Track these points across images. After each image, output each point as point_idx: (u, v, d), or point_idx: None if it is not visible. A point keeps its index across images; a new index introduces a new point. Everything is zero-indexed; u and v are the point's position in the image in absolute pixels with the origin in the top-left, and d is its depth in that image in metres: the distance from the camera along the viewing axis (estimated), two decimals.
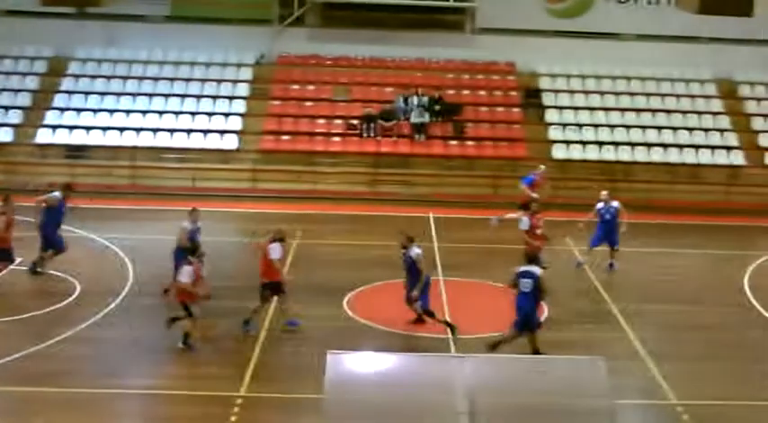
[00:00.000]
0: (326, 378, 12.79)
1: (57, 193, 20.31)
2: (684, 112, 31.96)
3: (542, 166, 25.53)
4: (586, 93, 32.72)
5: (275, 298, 17.52)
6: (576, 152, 30.69)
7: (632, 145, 30.87)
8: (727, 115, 32.00)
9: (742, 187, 29.71)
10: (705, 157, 30.56)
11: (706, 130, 31.44)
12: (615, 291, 20.66)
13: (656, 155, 30.64)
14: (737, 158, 30.60)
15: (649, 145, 30.88)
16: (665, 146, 30.87)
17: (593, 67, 33.21)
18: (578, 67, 33.25)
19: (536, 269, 16.53)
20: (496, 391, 12.81)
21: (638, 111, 32.03)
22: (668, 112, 32.00)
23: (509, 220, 22.60)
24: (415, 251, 17.29)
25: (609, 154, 30.63)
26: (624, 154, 30.58)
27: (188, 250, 17.09)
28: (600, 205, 21.99)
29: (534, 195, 23.71)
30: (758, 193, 29.44)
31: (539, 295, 16.41)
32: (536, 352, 16.26)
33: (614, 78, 33.09)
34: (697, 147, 30.80)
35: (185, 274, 16.37)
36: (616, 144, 30.85)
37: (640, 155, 30.61)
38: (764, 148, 31.03)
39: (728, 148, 30.85)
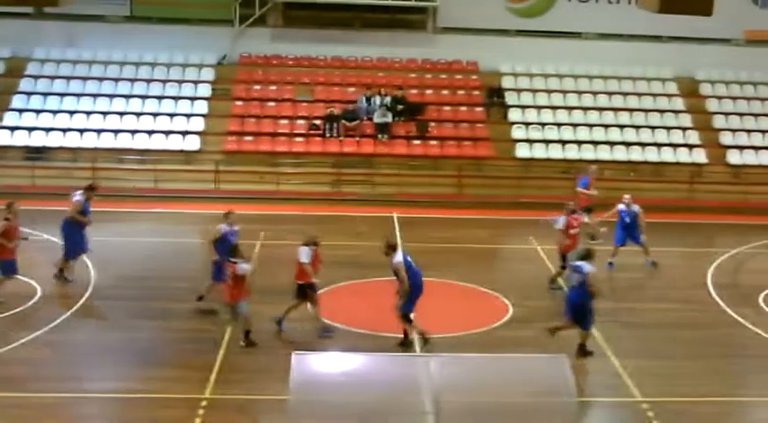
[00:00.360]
0: (292, 379, 12.69)
1: (79, 197, 20.09)
2: (647, 111, 32.16)
3: (593, 167, 25.62)
4: (549, 92, 32.81)
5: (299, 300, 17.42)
6: (539, 151, 30.74)
7: (595, 144, 30.98)
8: (689, 114, 32.22)
9: (704, 185, 29.91)
10: (667, 155, 30.75)
11: (668, 128, 31.64)
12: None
13: (619, 153, 30.78)
14: (700, 157, 30.80)
15: (612, 143, 31.01)
16: (627, 144, 31.01)
17: (555, 67, 33.37)
18: (541, 67, 33.37)
19: (585, 266, 16.58)
20: (462, 390, 12.76)
21: (601, 109, 32.17)
22: (630, 110, 32.18)
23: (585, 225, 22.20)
24: (397, 259, 17.10)
25: (572, 153, 30.72)
26: (587, 153, 30.65)
27: (231, 252, 16.85)
28: (621, 207, 22.20)
29: (593, 192, 24.18)
30: (720, 191, 29.67)
31: (589, 292, 16.49)
32: (581, 347, 16.63)
33: (576, 77, 33.24)
34: (659, 145, 30.99)
35: (242, 269, 16.33)
36: (579, 143, 30.96)
37: (603, 153, 30.70)
38: (726, 146, 31.25)
39: (690, 147, 31.04)
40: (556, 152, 30.74)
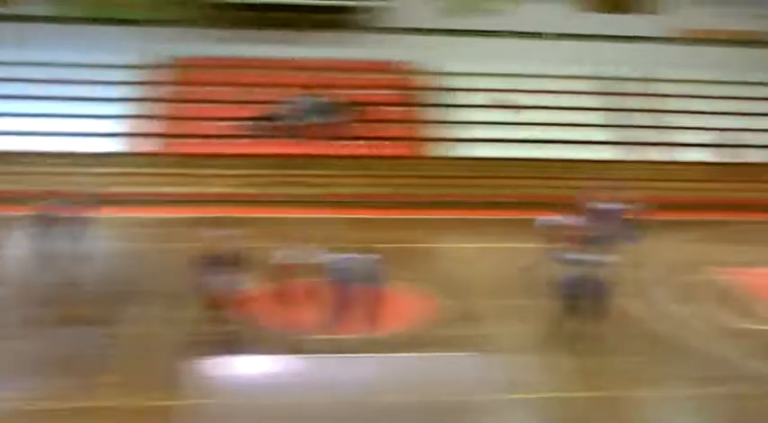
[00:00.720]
0: (205, 382, 12.48)
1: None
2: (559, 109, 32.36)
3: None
4: (492, 91, 32.69)
5: None
6: (474, 150, 30.62)
7: (531, 142, 31.00)
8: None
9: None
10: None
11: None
12: (496, 287, 20.46)
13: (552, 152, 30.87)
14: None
15: (543, 142, 31.05)
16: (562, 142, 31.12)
17: (499, 66, 33.19)
18: (476, 66, 33.18)
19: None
20: (377, 390, 12.62)
21: (539, 108, 32.12)
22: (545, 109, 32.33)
23: None
24: (319, 259, 16.76)
25: (517, 152, 30.75)
26: (534, 151, 30.71)
27: None
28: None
29: None
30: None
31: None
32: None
33: (523, 77, 33.21)
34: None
35: None
36: (510, 141, 30.92)
37: (538, 152, 30.75)
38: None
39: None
40: (497, 151, 30.61)
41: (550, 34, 33.39)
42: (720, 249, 23.97)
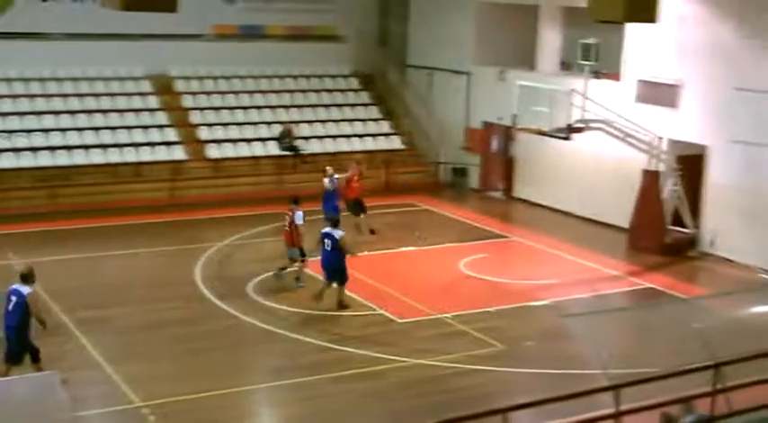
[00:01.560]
0: None
1: None
2: (122, 111, 31.29)
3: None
4: (13, 97, 30.65)
5: None
6: (7, 160, 28.68)
7: (69, 148, 29.57)
8: (166, 111, 31.91)
9: (186, 182, 29.80)
10: (146, 154, 30.19)
11: (145, 127, 31.05)
12: (63, 300, 19.44)
13: (97, 156, 29.64)
14: (179, 153, 30.63)
15: (88, 147, 29.79)
16: (104, 146, 29.95)
17: (19, 70, 31.26)
18: (3, 70, 31.10)
19: (337, 231, 19.60)
20: None
21: (73, 112, 30.74)
22: (105, 111, 31.11)
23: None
24: None
25: (45, 160, 29.01)
26: (62, 158, 29.17)
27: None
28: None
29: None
30: (202, 187, 29.75)
31: (343, 252, 19.58)
32: (340, 303, 19.58)
33: (43, 80, 31.45)
34: (138, 145, 30.32)
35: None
36: (52, 149, 29.35)
37: (79, 158, 29.42)
38: (204, 141, 31.38)
39: (169, 144, 30.77)
40: (27, 160, 28.68)
41: (59, 35, 31.75)
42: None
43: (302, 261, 21.00)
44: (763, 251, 23.19)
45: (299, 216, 20.82)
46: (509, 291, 21.29)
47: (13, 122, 29.66)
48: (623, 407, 11.54)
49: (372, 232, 25.01)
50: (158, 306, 19.71)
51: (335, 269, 19.63)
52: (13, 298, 14.82)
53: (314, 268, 20.81)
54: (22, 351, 14.90)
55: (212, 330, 18.53)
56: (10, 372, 14.56)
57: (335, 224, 20.00)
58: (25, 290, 14.81)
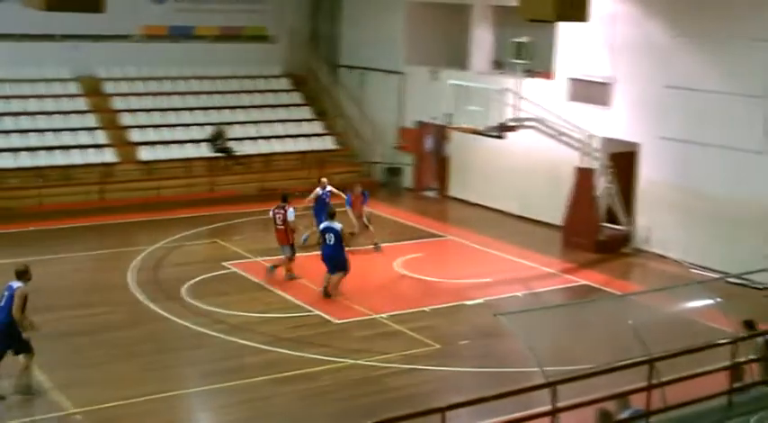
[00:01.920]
0: None
1: None
2: (49, 114, 30.73)
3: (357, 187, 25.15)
4: None
5: None
6: None
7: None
8: (95, 113, 31.39)
9: (116, 184, 29.36)
10: (76, 157, 29.69)
11: (74, 129, 30.51)
12: None
13: (24, 160, 29.09)
14: (109, 156, 30.16)
15: (16, 150, 29.23)
16: (32, 150, 29.41)
17: None
18: None
19: (336, 224, 20.24)
20: None
21: None
22: (31, 114, 30.53)
23: None
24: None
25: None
26: None
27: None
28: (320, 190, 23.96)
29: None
30: (133, 189, 29.33)
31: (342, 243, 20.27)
32: (325, 290, 20.19)
33: None
34: (67, 148, 29.81)
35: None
36: None
37: (7, 161, 28.83)
38: (135, 143, 30.95)
39: (99, 147, 30.29)
40: None
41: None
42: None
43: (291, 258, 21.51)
44: (695, 246, 23.50)
45: (291, 213, 21.33)
46: (444, 290, 21.32)
47: None
48: (560, 404, 11.54)
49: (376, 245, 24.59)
50: (91, 311, 19.34)
51: (339, 260, 20.28)
52: (6, 293, 15.11)
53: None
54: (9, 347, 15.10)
55: (146, 334, 18.25)
56: None
57: (333, 217, 20.58)
58: (16, 285, 15.07)
